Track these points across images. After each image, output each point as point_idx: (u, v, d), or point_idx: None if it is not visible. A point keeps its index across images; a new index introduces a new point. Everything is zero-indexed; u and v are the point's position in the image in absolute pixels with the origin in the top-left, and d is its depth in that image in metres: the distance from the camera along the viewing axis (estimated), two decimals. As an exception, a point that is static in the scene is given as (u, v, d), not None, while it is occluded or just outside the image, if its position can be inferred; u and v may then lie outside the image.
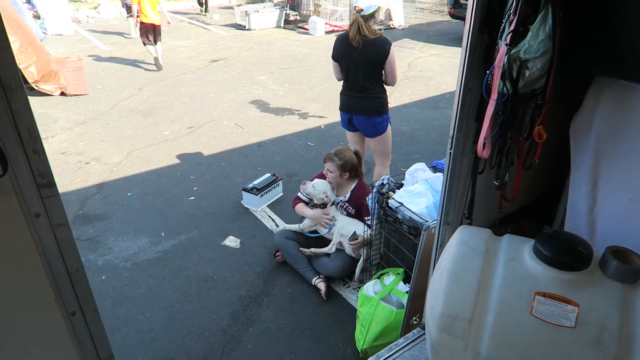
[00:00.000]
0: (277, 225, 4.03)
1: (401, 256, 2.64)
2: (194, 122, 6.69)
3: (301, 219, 3.44)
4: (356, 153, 3.23)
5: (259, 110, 7.23)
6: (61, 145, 5.80)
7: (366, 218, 3.08)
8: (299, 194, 3.45)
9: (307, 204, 3.39)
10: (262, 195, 4.29)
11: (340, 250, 3.18)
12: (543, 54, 1.46)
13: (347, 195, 3.30)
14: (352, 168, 3.19)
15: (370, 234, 2.89)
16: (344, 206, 3.30)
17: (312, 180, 3.45)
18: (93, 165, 5.29)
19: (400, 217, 2.51)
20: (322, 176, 3.43)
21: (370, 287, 2.60)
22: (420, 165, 2.88)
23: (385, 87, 3.58)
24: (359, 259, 3.22)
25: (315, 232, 3.33)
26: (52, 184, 0.98)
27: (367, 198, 3.02)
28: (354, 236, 3.03)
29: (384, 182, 2.79)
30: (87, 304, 1.03)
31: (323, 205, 3.25)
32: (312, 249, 3.17)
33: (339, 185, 3.32)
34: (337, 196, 3.33)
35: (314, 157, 5.58)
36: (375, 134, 3.63)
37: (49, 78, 7.25)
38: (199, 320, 2.97)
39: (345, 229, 3.19)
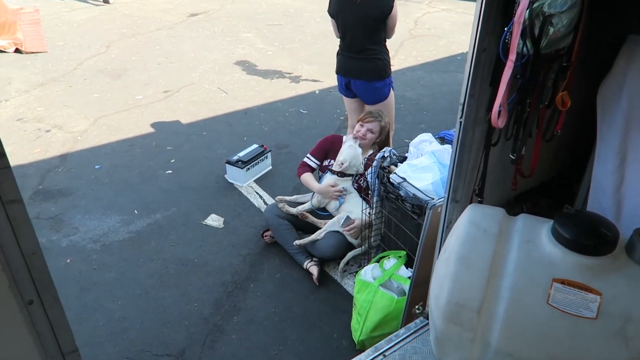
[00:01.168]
0: (265, 203, 4.03)
1: (403, 237, 2.65)
2: (170, 86, 6.60)
3: (306, 190, 3.44)
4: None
5: (245, 72, 7.13)
6: (17, 110, 5.71)
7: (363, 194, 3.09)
8: (306, 159, 3.41)
9: (313, 170, 3.36)
10: (249, 168, 4.28)
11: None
12: (570, 8, 1.43)
13: (363, 160, 3.27)
14: (384, 132, 3.23)
15: (369, 213, 2.89)
16: (356, 178, 3.26)
17: (313, 153, 3.39)
18: (55, 134, 5.23)
19: (402, 194, 2.50)
20: (322, 148, 3.42)
21: (369, 272, 2.61)
22: (427, 136, 2.86)
23: (388, 47, 3.54)
24: (356, 245, 3.20)
25: (325, 209, 3.30)
26: (1, 155, 0.95)
27: (366, 172, 3.01)
28: (347, 221, 3.04)
29: (385, 155, 2.77)
30: (46, 291, 1.02)
31: (342, 175, 3.20)
32: (307, 239, 3.15)
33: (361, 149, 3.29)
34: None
35: (307, 126, 5.54)
36: (376, 100, 3.59)
37: (2, 30, 7.04)
38: (178, 308, 2.99)
39: (341, 210, 3.21)
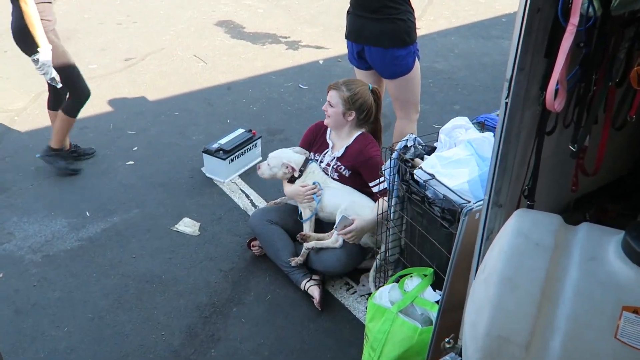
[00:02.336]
0: (254, 205, 4.04)
1: (430, 251, 2.66)
2: (133, 52, 6.61)
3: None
4: (374, 90, 3.27)
5: (228, 35, 7.14)
6: (-61, 82, 5.75)
7: (376, 183, 3.11)
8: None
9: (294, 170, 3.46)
10: (232, 160, 4.30)
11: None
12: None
13: (342, 150, 3.33)
14: (363, 107, 3.25)
15: (386, 218, 2.90)
16: (336, 166, 3.34)
17: (301, 145, 3.49)
18: (-14, 113, 5.25)
19: (430, 196, 2.50)
20: (305, 139, 3.49)
21: (385, 294, 2.61)
22: (462, 121, 2.86)
23: (413, 6, 3.53)
24: (371, 249, 3.24)
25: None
26: None
27: (374, 156, 3.04)
28: (343, 222, 3.05)
29: (409, 145, 2.77)
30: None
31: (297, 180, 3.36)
32: (313, 243, 3.21)
33: (337, 135, 3.34)
34: (331, 153, 3.36)
35: (308, 106, 5.55)
36: (396, 73, 3.59)
37: None
38: (140, 337, 3.00)
39: (328, 208, 3.26)
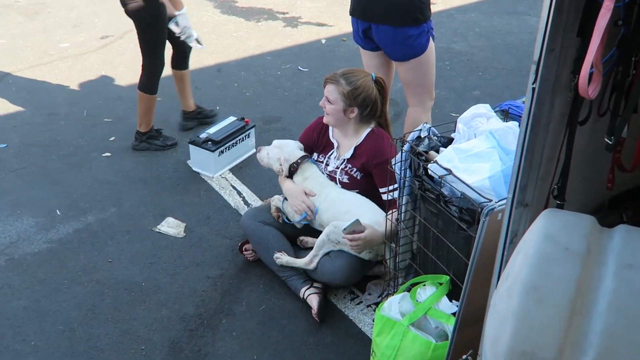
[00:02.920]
0: (247, 204, 4.05)
1: (446, 256, 2.66)
2: (110, 29, 6.60)
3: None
4: (377, 81, 3.24)
5: (218, 10, 7.14)
6: None
7: (386, 190, 3.09)
8: None
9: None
10: (222, 152, 4.31)
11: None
12: None
13: (350, 151, 3.32)
14: (366, 102, 3.21)
15: (397, 220, 2.90)
16: (346, 168, 3.33)
17: (302, 140, 3.51)
18: (-57, 97, 5.25)
19: (446, 193, 2.50)
20: (306, 137, 3.51)
21: (395, 305, 2.61)
22: (483, 109, 2.85)
23: None
24: (375, 260, 3.24)
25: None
26: None
27: (389, 157, 3.02)
28: (353, 227, 3.02)
29: (422, 135, 2.76)
30: None
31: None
32: (285, 260, 3.27)
33: (342, 133, 3.33)
34: (337, 154, 3.35)
35: (308, 91, 5.55)
36: (408, 55, 3.58)
37: None
38: (117, 353, 3.00)
39: (328, 214, 3.24)
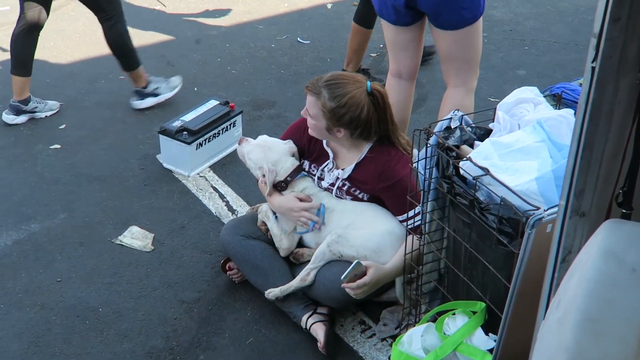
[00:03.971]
0: (232, 210, 4.05)
1: (481, 277, 2.65)
2: (61, -11, 6.59)
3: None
4: (373, 93, 3.11)
5: (197, -33, 7.13)
6: None
7: (406, 217, 3.05)
8: None
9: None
10: (201, 144, 4.31)
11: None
12: None
13: (350, 168, 3.29)
14: (354, 123, 3.10)
15: (418, 239, 2.91)
16: (343, 187, 3.30)
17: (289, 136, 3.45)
18: None
19: (482, 199, 2.48)
20: (292, 138, 3.43)
21: (417, 338, 2.61)
22: (529, 93, 2.84)
23: None
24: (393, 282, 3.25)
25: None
26: None
27: (404, 177, 3.00)
28: (354, 271, 3.00)
29: (452, 125, 2.74)
30: None
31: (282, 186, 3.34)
32: (277, 290, 3.23)
33: (338, 144, 3.27)
34: (333, 166, 3.30)
35: (310, 69, 5.55)
36: (462, 21, 3.61)
37: None
38: (67, 396, 3.01)
39: (326, 229, 3.24)
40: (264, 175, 3.30)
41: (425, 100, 4.82)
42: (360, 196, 3.25)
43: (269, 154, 3.32)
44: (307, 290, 3.22)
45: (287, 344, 3.20)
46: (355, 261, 2.98)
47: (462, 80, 3.76)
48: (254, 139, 3.42)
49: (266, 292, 3.23)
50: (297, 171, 3.33)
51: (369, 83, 3.12)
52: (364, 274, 3.01)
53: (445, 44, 3.69)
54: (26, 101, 4.72)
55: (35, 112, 4.78)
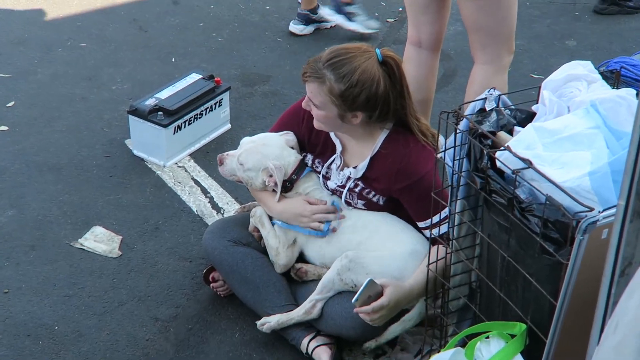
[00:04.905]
0: (218, 208, 4.06)
1: (521, 293, 2.64)
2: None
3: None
4: (386, 61, 3.10)
5: None
6: None
7: (429, 224, 3.03)
8: None
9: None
10: (180, 128, 4.33)
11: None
12: None
13: (364, 164, 3.29)
14: (370, 103, 3.05)
15: (445, 247, 2.91)
16: (355, 188, 3.30)
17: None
18: None
19: (523, 197, 2.47)
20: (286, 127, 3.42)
21: (443, 367, 2.63)
22: (581, 69, 2.83)
23: None
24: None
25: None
26: None
27: (426, 174, 3.00)
28: (367, 292, 2.98)
29: (487, 107, 2.73)
30: None
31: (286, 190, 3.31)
32: (276, 320, 3.20)
33: (344, 138, 3.25)
34: (341, 163, 3.27)
35: (313, 36, 5.56)
36: None
37: None
38: None
39: (335, 246, 3.23)
40: (270, 176, 3.24)
41: (453, 76, 4.81)
42: (375, 200, 3.24)
43: (266, 150, 3.28)
44: (312, 320, 3.22)
45: (285, 371, 3.21)
46: (368, 279, 2.95)
47: (490, 56, 3.75)
48: (252, 128, 3.40)
49: (259, 323, 3.22)
50: (302, 167, 3.32)
51: (377, 51, 3.08)
52: (380, 294, 2.99)
53: (468, 12, 3.69)
54: None
55: None
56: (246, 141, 3.33)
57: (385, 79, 3.04)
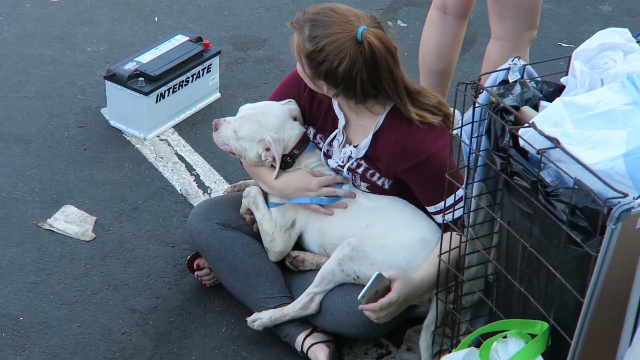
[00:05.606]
0: (204, 188, 4.07)
1: (544, 287, 2.64)
2: None
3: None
4: (367, 39, 3.06)
5: None
6: None
7: (441, 208, 3.02)
8: None
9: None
10: (163, 96, 4.33)
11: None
12: None
13: (367, 142, 3.29)
14: (331, 74, 3.03)
15: (459, 235, 2.91)
16: (357, 169, 3.30)
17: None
18: None
19: (549, 181, 2.47)
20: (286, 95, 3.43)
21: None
22: (615, 37, 2.82)
23: None
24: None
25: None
26: None
27: (436, 153, 3.01)
28: (374, 287, 2.97)
29: (510, 78, 2.73)
30: None
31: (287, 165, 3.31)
32: (269, 315, 3.21)
33: (345, 111, 3.25)
34: (343, 140, 3.26)
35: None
36: None
37: None
38: None
39: (336, 231, 3.25)
40: (267, 149, 3.23)
41: (472, 43, 4.80)
42: (380, 183, 3.26)
43: (266, 120, 3.28)
44: (310, 316, 3.24)
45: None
46: (377, 273, 2.95)
47: (508, 31, 3.75)
48: (245, 97, 3.38)
49: (249, 320, 3.24)
50: (305, 141, 3.33)
51: (361, 28, 3.04)
52: (388, 289, 3.00)
53: None
54: None
55: None
56: (245, 107, 3.35)
57: (355, 60, 3.03)
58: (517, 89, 2.72)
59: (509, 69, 2.77)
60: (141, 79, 4.24)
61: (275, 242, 3.29)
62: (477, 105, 2.68)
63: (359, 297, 2.93)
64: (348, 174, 3.26)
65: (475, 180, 2.76)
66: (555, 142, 2.41)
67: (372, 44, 3.00)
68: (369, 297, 2.93)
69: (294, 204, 3.30)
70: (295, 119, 3.31)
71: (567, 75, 2.79)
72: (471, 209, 2.82)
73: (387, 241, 3.15)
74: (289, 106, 3.31)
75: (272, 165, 3.28)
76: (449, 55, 3.98)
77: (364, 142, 3.20)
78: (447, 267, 2.90)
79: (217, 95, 4.54)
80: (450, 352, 2.82)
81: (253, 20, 5.18)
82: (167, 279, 3.56)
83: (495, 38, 3.80)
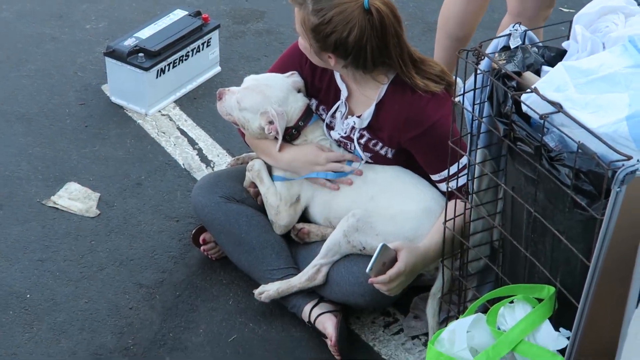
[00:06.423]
0: (207, 162, 4.07)
1: (550, 253, 2.65)
2: None
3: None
4: (375, 7, 3.04)
5: None
6: None
7: (445, 176, 3.00)
8: None
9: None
10: (163, 71, 4.33)
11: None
12: None
13: (370, 112, 3.28)
14: (342, 47, 3.05)
15: (464, 201, 2.91)
16: (360, 139, 3.30)
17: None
18: None
19: (552, 145, 2.47)
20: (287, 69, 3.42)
21: (461, 334, 2.60)
22: (617, 0, 2.82)
23: None
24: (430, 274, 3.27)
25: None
26: None
27: (439, 121, 3.01)
28: (380, 259, 2.97)
29: (512, 44, 2.72)
30: None
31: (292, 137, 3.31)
32: (275, 288, 3.22)
33: (348, 82, 3.31)
34: (345, 111, 3.28)
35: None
36: None
37: None
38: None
39: (341, 203, 3.24)
40: (270, 122, 3.24)
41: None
42: (383, 153, 3.26)
43: (270, 92, 3.28)
44: (316, 287, 3.26)
45: (284, 342, 3.24)
46: (381, 244, 2.96)
47: (524, 6, 3.73)
48: (245, 71, 3.37)
49: (256, 292, 3.25)
50: (309, 113, 3.32)
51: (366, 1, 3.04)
52: (394, 260, 3.01)
53: None
54: None
55: None
56: (249, 79, 3.35)
57: (364, 28, 3.02)
58: (519, 54, 2.72)
59: (510, 35, 2.76)
60: (141, 54, 4.24)
61: (281, 215, 3.29)
62: (479, 72, 2.68)
63: (367, 270, 2.93)
64: (360, 147, 3.25)
65: (479, 147, 2.76)
66: (558, 107, 2.41)
67: (381, 11, 3.00)
68: (377, 269, 2.94)
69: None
70: (299, 91, 3.29)
71: (568, 39, 2.78)
72: (475, 176, 2.83)
73: (392, 211, 3.15)
74: (293, 78, 3.30)
75: (275, 138, 3.27)
76: (472, 22, 3.96)
77: (367, 113, 3.20)
78: (453, 234, 2.90)
79: (218, 69, 4.54)
80: (457, 318, 2.83)
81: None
82: (172, 253, 3.57)
83: (512, 14, 3.79)
